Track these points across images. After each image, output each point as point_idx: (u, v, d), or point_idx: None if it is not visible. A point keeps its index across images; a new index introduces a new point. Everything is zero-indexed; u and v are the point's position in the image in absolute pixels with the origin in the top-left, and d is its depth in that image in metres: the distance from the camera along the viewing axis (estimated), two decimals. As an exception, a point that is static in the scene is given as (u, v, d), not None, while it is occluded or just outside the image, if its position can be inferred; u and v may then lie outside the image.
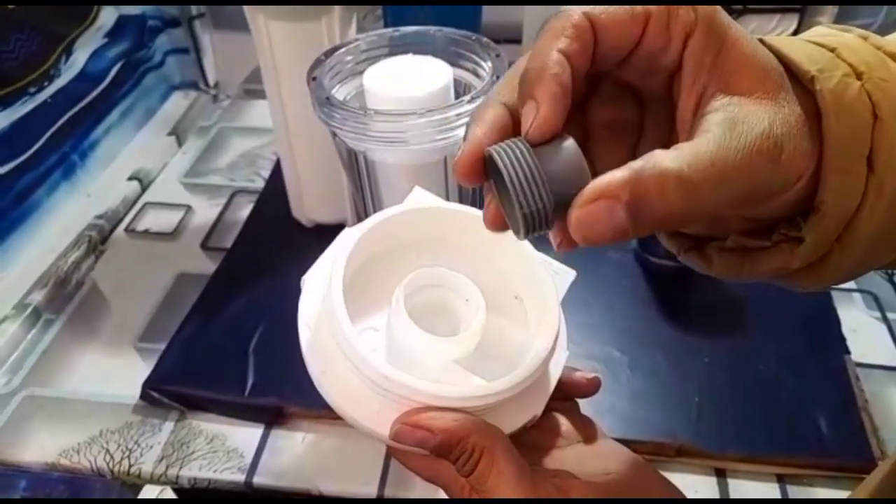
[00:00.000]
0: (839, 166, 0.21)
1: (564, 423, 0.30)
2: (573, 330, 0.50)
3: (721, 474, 0.46)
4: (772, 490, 0.45)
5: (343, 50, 0.40)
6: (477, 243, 0.31)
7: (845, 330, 0.53)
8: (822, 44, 0.22)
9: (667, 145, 0.19)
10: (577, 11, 0.21)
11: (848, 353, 0.51)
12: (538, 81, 0.20)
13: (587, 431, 0.30)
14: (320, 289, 0.28)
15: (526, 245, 0.30)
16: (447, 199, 0.42)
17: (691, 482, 0.46)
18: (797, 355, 0.51)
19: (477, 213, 0.31)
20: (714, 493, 0.45)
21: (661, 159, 0.19)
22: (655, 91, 0.23)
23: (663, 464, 0.47)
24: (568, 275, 0.32)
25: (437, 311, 0.30)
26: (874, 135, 0.21)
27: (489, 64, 0.38)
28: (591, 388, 0.32)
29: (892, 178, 0.21)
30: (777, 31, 0.73)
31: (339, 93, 0.39)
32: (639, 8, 0.21)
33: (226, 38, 0.81)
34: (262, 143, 0.77)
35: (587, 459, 0.29)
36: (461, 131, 0.35)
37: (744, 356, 0.51)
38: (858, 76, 0.21)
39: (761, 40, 0.22)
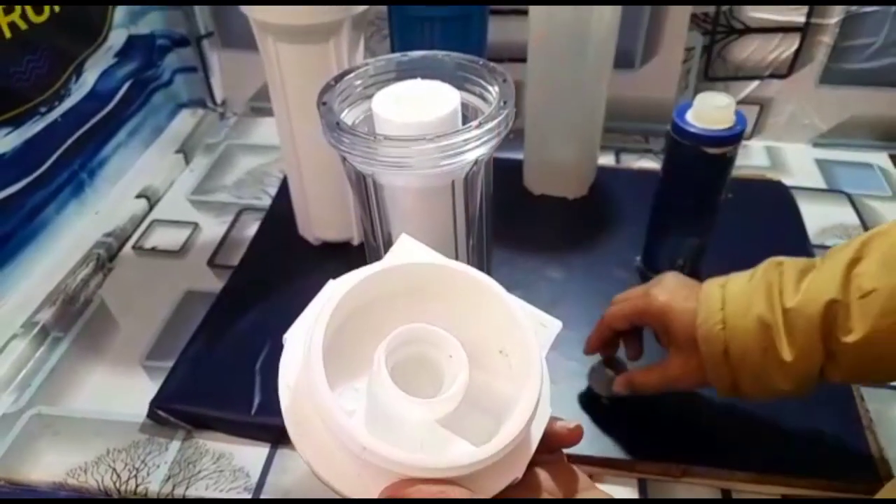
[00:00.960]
0: (711, 370, 0.42)
1: (546, 478, 0.31)
2: (576, 346, 0.50)
3: (727, 494, 0.46)
4: (778, 511, 0.45)
5: (352, 75, 0.41)
6: (462, 297, 0.31)
7: (850, 349, 0.53)
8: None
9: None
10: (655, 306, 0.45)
11: (853, 372, 0.52)
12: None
13: (570, 486, 0.31)
14: (302, 346, 0.28)
15: (510, 300, 0.31)
16: (454, 221, 0.42)
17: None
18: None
19: (462, 268, 0.31)
20: (720, 514, 0.45)
21: (636, 375, 0.48)
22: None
23: (669, 484, 0.47)
24: (554, 326, 0.32)
25: (420, 367, 0.30)
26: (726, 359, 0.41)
27: (496, 89, 0.39)
28: (574, 438, 0.32)
29: (744, 365, 0.41)
30: (778, 51, 0.74)
31: (348, 116, 0.40)
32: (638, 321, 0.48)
33: (233, 57, 0.82)
34: (268, 161, 0.78)
35: None
36: (469, 156, 0.36)
37: (749, 376, 0.51)
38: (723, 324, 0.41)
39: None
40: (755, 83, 0.77)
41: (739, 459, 0.46)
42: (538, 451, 0.30)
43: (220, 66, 0.83)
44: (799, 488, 0.46)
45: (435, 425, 0.28)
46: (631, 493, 0.46)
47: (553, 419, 0.31)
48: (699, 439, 0.48)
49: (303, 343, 0.28)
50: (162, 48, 0.78)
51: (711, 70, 0.76)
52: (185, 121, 0.82)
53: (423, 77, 0.40)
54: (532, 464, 0.30)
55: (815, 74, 0.75)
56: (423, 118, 0.36)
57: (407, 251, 0.32)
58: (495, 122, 0.36)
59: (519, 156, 0.71)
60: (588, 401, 0.50)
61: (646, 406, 0.49)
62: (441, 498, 0.25)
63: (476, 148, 0.35)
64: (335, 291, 0.29)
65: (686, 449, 0.47)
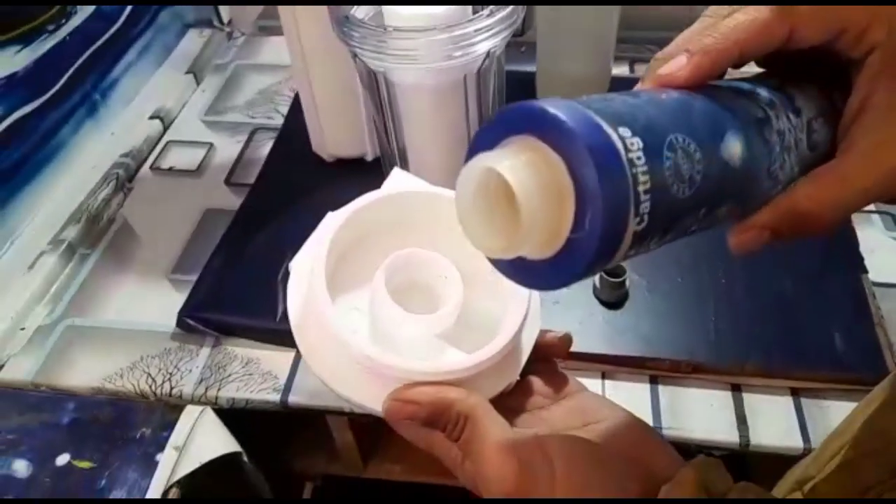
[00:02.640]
0: None
1: (539, 384, 0.32)
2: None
3: (736, 389, 0.48)
4: (786, 403, 0.47)
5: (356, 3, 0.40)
6: (453, 223, 0.32)
7: (863, 250, 0.54)
8: None
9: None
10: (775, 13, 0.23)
11: (865, 272, 0.52)
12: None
13: (561, 388, 0.32)
14: (306, 274, 0.30)
15: None
16: (467, 122, 0.42)
17: (707, 396, 0.47)
18: (814, 274, 0.52)
19: (451, 195, 0.32)
20: (729, 407, 0.47)
21: (796, 199, 0.24)
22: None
23: (680, 380, 0.48)
24: None
25: (417, 289, 0.32)
26: None
27: (508, -19, 0.38)
28: (563, 346, 0.33)
29: None
30: None
31: (358, 13, 0.39)
32: (838, 19, 0.23)
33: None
34: (278, 80, 0.77)
35: (567, 414, 0.31)
36: (480, 47, 0.36)
37: (760, 275, 0.52)
38: None
39: None
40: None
41: (750, 356, 0.48)
42: (531, 360, 0.32)
43: (225, -16, 0.81)
44: (807, 381, 0.47)
45: (433, 339, 0.30)
46: (643, 388, 0.48)
47: (544, 331, 0.33)
48: (709, 336, 0.49)
49: (306, 271, 0.30)
50: (165, -35, 0.76)
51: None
52: (193, 41, 0.81)
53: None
54: (526, 373, 0.32)
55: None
56: (433, 9, 0.36)
57: (400, 183, 0.34)
58: (506, 11, 0.35)
59: (532, 68, 0.69)
60: (598, 305, 0.52)
61: (657, 305, 0.50)
62: (440, 398, 0.27)
63: (487, 39, 0.35)
64: (333, 221, 0.31)
65: (696, 345, 0.48)
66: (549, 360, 0.34)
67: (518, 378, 0.31)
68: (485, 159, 0.20)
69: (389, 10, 0.37)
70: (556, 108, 0.19)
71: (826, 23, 0.23)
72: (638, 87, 0.25)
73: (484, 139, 0.21)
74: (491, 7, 0.35)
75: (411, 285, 0.32)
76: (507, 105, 0.20)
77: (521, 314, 0.30)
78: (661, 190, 0.19)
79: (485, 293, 0.32)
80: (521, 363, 0.31)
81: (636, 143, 0.19)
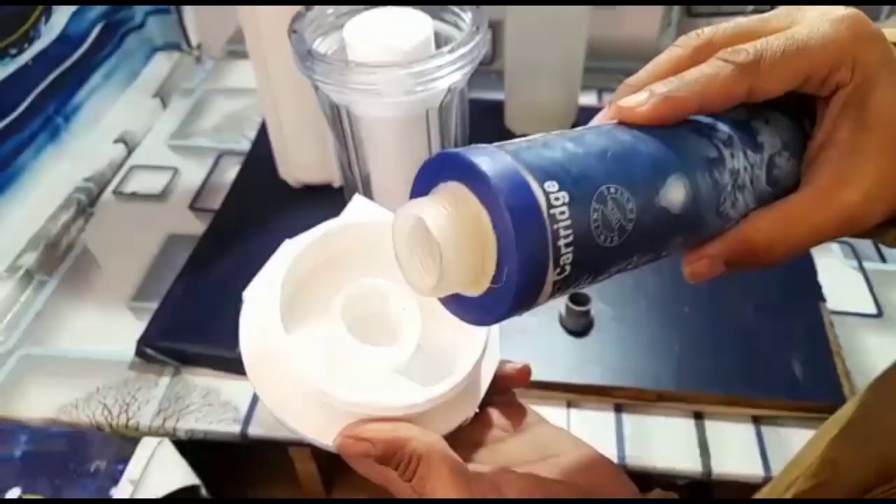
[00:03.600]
0: None
1: (498, 416, 0.32)
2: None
3: (699, 417, 0.48)
4: (747, 431, 0.47)
5: (323, 4, 0.40)
6: None
7: (822, 278, 0.55)
8: None
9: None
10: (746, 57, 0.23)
11: (823, 300, 0.53)
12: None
13: (520, 420, 0.32)
14: (261, 302, 0.30)
15: None
16: (430, 153, 0.42)
17: (671, 424, 0.48)
18: (774, 303, 0.53)
19: None
20: (692, 435, 0.47)
21: (748, 232, 0.24)
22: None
23: (644, 408, 0.48)
24: None
25: (376, 319, 0.31)
26: None
27: (469, 16, 0.39)
28: (523, 377, 0.33)
29: None
30: None
31: (321, 47, 0.39)
32: (801, 70, 0.23)
33: (207, -2, 0.80)
34: (246, 105, 0.77)
35: (525, 448, 0.31)
36: (442, 83, 0.36)
37: (723, 304, 0.53)
38: None
39: None
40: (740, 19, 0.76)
41: (712, 383, 0.48)
42: (490, 392, 0.31)
43: (194, 9, 0.81)
44: (769, 409, 0.48)
45: (389, 372, 0.30)
46: (608, 417, 0.48)
47: (503, 361, 0.33)
48: (672, 364, 0.49)
49: (261, 300, 0.30)
50: (133, -11, 0.76)
51: (694, 7, 0.76)
52: (160, 64, 0.80)
53: (396, 4, 0.40)
54: (485, 404, 0.32)
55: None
56: (396, 45, 0.36)
57: (361, 211, 0.34)
58: (468, 47, 0.36)
59: (500, 96, 0.70)
60: (564, 334, 0.52)
61: (623, 334, 0.51)
62: (393, 436, 0.26)
63: (449, 74, 0.35)
64: (289, 249, 0.31)
65: (660, 373, 0.49)
66: (508, 391, 0.34)
67: (476, 411, 0.31)
68: (413, 207, 0.21)
69: (352, 46, 0.37)
70: (483, 160, 0.20)
71: (789, 75, 0.23)
72: (601, 114, 0.25)
73: (422, 182, 0.22)
74: (452, 45, 0.35)
75: (370, 315, 0.32)
76: (443, 150, 0.21)
77: (478, 349, 0.29)
78: (585, 241, 0.20)
79: (445, 323, 0.32)
80: (478, 397, 0.31)
81: (562, 197, 0.20)
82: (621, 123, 0.24)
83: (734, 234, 0.24)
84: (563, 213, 0.19)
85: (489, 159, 0.20)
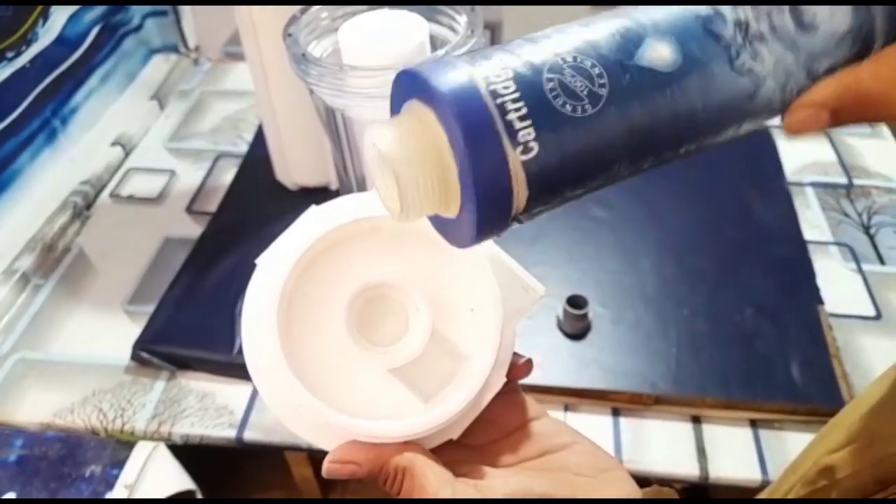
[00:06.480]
0: None
1: (497, 412, 0.31)
2: (558, 283, 0.51)
3: (696, 421, 0.48)
4: (745, 434, 0.47)
5: (319, 6, 0.40)
6: (439, 248, 0.28)
7: (820, 281, 0.54)
8: None
9: None
10: None
11: (821, 303, 0.53)
12: None
13: (522, 415, 0.32)
14: (271, 274, 0.28)
15: (497, 258, 0.30)
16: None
17: (668, 428, 0.47)
18: (773, 306, 0.53)
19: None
20: (690, 439, 0.47)
21: (861, 76, 0.21)
22: None
23: (642, 412, 0.48)
24: (535, 293, 0.31)
25: (387, 305, 0.30)
26: None
27: (464, 18, 0.38)
28: (525, 370, 0.33)
29: None
30: None
31: (316, 50, 0.39)
32: None
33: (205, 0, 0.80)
34: (244, 107, 0.77)
35: (524, 445, 0.30)
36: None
37: (722, 307, 0.53)
38: None
39: None
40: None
41: (710, 387, 0.48)
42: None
43: (192, 10, 0.81)
44: (767, 413, 0.47)
45: (389, 376, 0.29)
46: (605, 421, 0.48)
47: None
48: (670, 368, 0.49)
49: (272, 271, 0.28)
50: (130, -9, 0.76)
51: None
52: (158, 67, 0.80)
53: (391, 7, 0.39)
54: None
55: None
56: (391, 48, 0.36)
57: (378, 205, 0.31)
58: (463, 50, 0.36)
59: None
60: (561, 337, 0.52)
61: (621, 337, 0.51)
62: (376, 454, 0.27)
63: (444, 78, 0.35)
64: (313, 224, 0.29)
65: (658, 377, 0.48)
66: (511, 382, 0.33)
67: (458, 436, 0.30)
68: (370, 131, 0.20)
69: (347, 49, 0.37)
70: (428, 67, 0.19)
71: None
72: None
73: (394, 106, 0.21)
74: (447, 48, 0.35)
75: (383, 300, 0.30)
76: (404, 67, 0.20)
77: (481, 379, 0.28)
78: (545, 112, 0.18)
79: (459, 331, 0.30)
80: (470, 420, 0.30)
81: (503, 73, 0.18)
82: None
83: (844, 76, 0.21)
84: (506, 87, 0.18)
85: (434, 65, 0.19)
